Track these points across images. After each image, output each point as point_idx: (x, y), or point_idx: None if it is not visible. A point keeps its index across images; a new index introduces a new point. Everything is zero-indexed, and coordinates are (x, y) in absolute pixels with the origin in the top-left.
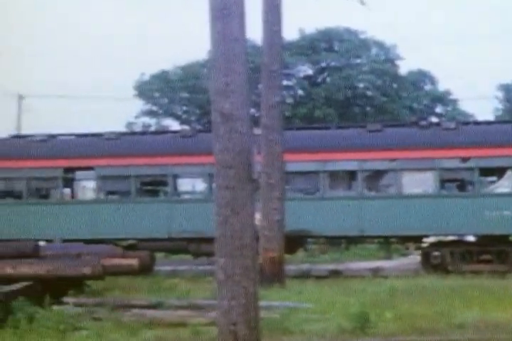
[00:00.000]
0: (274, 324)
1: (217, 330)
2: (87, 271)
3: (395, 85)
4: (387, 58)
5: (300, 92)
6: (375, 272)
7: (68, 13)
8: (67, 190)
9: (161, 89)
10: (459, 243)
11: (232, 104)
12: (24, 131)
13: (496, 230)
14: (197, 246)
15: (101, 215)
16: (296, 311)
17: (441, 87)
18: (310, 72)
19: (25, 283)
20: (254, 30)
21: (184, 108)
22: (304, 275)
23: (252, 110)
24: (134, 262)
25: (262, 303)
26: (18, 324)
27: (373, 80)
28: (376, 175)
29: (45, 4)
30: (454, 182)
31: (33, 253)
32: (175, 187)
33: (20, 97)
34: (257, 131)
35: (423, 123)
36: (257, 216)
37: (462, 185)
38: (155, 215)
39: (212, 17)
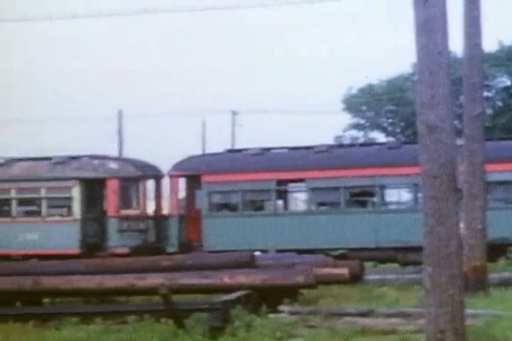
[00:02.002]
0: (479, 331)
1: (425, 338)
2: (300, 280)
3: None
4: None
5: (499, 103)
6: None
7: (283, 35)
8: (280, 202)
9: (368, 103)
10: None
11: (437, 115)
12: (238, 145)
13: None
14: (404, 255)
15: (312, 226)
16: (500, 319)
17: None
18: (508, 83)
19: (242, 292)
20: (454, 42)
21: (389, 120)
22: (506, 283)
23: (455, 121)
24: (344, 271)
25: (467, 311)
26: (236, 332)
27: None
28: None
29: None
30: None
31: (249, 263)
32: (382, 198)
33: (234, 113)
34: (459, 141)
35: None
36: (461, 225)
37: None
38: (363, 225)
39: (417, 31)
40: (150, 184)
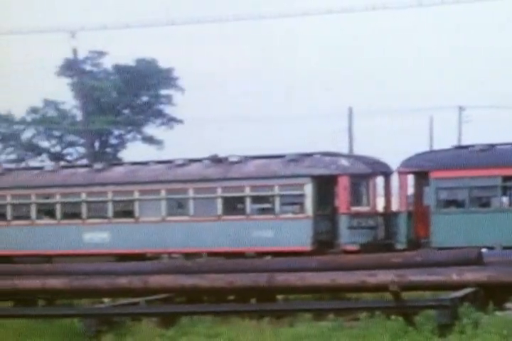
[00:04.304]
0: None
1: None
2: None
3: None
4: None
5: None
6: None
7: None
8: (506, 198)
9: None
10: None
11: None
12: (464, 142)
13: None
14: None
15: None
16: None
17: None
18: None
19: (469, 289)
20: None
21: None
22: None
23: None
24: None
25: None
26: (464, 329)
27: None
28: None
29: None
30: None
31: (477, 260)
32: None
33: (461, 109)
34: None
35: None
36: None
37: None
38: None
39: None
40: (379, 181)
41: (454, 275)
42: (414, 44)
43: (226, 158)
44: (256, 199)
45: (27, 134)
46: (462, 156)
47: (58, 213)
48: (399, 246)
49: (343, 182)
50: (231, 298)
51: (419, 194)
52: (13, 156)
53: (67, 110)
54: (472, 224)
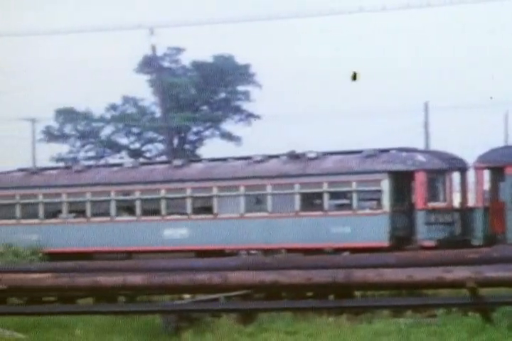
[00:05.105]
0: None
1: None
2: None
3: None
4: None
5: None
6: None
7: None
8: None
9: None
10: None
11: None
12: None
13: None
14: None
15: None
16: None
17: None
18: None
19: None
20: None
21: None
22: None
23: None
24: None
25: None
26: None
27: None
28: None
29: None
30: None
31: None
32: None
33: None
34: None
35: None
36: None
37: None
38: None
39: None
40: (456, 176)
41: None
42: (486, 41)
43: (304, 154)
44: (333, 195)
45: (106, 131)
46: None
47: (138, 210)
48: (475, 242)
49: (420, 178)
50: (309, 294)
51: (495, 189)
52: (92, 153)
53: (146, 107)
54: None
